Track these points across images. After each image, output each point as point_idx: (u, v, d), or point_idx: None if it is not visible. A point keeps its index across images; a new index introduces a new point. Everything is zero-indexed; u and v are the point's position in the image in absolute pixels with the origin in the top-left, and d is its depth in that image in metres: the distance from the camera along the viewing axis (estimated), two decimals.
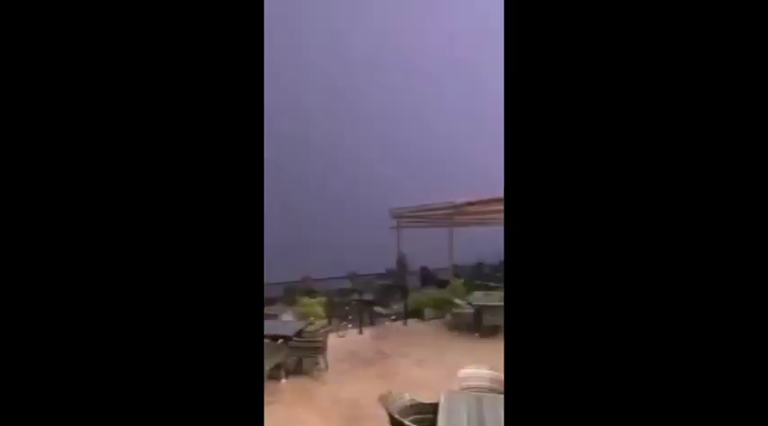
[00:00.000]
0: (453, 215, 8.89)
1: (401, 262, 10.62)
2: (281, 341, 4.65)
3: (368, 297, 8.28)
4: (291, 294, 8.72)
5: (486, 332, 6.34)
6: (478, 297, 7.02)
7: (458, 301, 7.18)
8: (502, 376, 3.27)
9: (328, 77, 13.41)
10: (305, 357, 4.95)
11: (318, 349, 4.91)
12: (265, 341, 4.45)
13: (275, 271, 11.01)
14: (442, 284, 8.87)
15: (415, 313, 7.61)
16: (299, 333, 5.01)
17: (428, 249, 10.49)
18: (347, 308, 7.45)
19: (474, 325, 6.58)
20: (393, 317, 7.69)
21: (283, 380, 4.62)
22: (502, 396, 2.95)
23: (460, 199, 7.72)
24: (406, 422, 2.63)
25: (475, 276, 10.44)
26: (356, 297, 7.38)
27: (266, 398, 4.18)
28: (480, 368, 3.38)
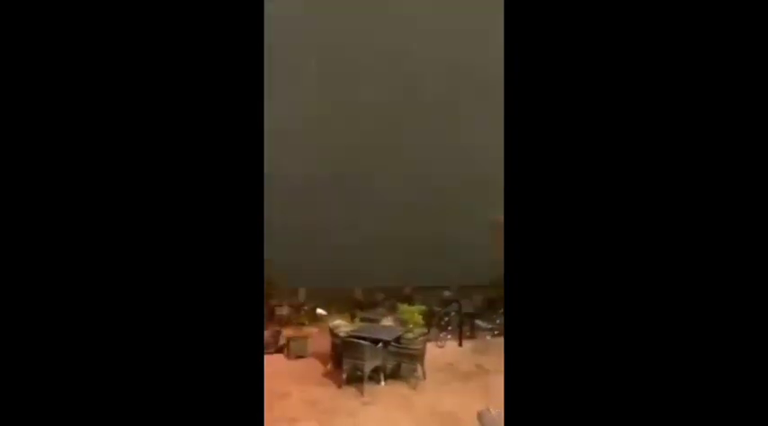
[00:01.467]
0: None
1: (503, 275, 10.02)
2: (380, 345, 4.75)
3: (469, 308, 8.00)
4: (391, 299, 8.90)
5: None
6: None
7: None
8: None
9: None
10: (403, 363, 4.98)
11: (416, 356, 4.89)
12: (366, 343, 4.59)
13: (378, 274, 11.37)
14: None
15: None
16: (398, 339, 5.06)
17: None
18: (447, 319, 7.30)
19: None
20: (495, 332, 7.28)
21: (382, 383, 4.70)
22: None
23: None
24: None
25: None
26: (457, 307, 7.18)
27: (364, 399, 4.32)
28: None
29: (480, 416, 2.77)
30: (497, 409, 2.92)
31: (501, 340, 6.99)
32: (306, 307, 7.59)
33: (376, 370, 4.70)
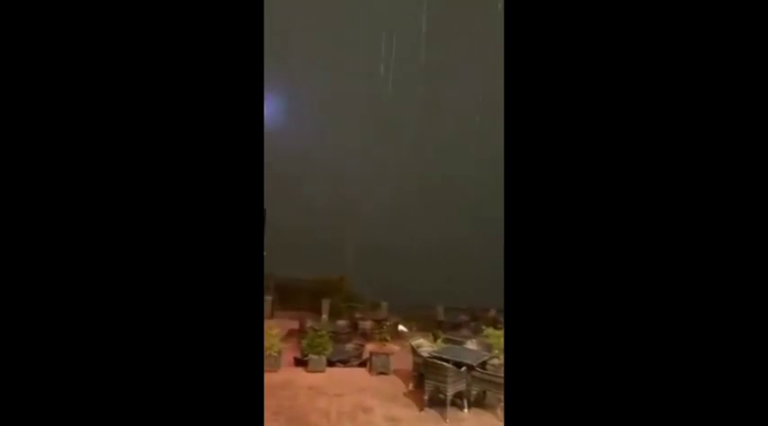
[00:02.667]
0: None
1: None
2: (464, 369, 4.56)
3: None
4: (476, 321, 8.54)
5: None
6: None
7: None
8: None
9: None
10: (488, 391, 4.70)
11: (503, 385, 4.59)
12: (450, 366, 4.45)
13: (464, 295, 11.03)
14: None
15: None
16: (484, 365, 4.81)
17: None
18: None
19: None
20: None
21: (465, 410, 4.50)
22: None
23: None
24: None
25: None
26: None
27: (447, 425, 4.15)
28: None
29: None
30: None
31: None
32: (388, 323, 7.64)
33: (459, 395, 4.52)
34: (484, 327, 7.21)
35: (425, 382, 4.61)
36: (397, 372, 5.56)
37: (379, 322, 7.64)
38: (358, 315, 8.18)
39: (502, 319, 9.08)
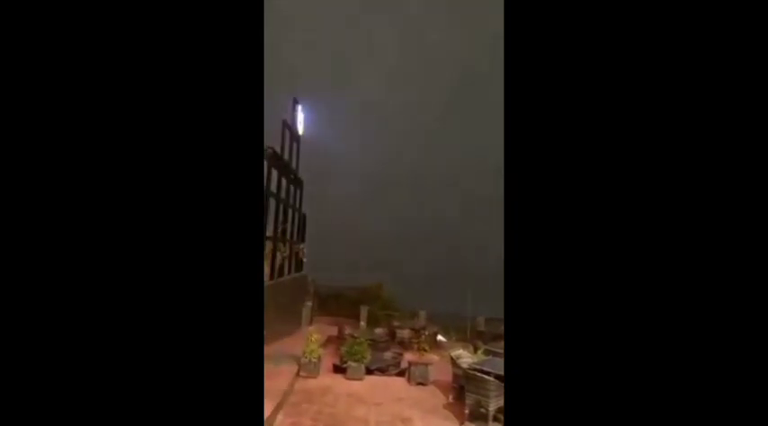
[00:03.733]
0: None
1: None
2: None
3: None
4: None
5: None
6: None
7: None
8: None
9: None
10: None
11: None
12: (491, 379, 4.31)
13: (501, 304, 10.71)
14: None
15: None
16: None
17: None
18: None
19: None
20: None
21: None
22: None
23: None
24: None
25: None
26: None
27: None
28: None
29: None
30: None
31: None
32: (426, 332, 7.54)
33: (501, 410, 4.35)
34: None
35: (466, 395, 4.48)
36: (436, 383, 5.46)
37: (417, 331, 7.56)
38: (396, 324, 8.14)
39: None
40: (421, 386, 5.44)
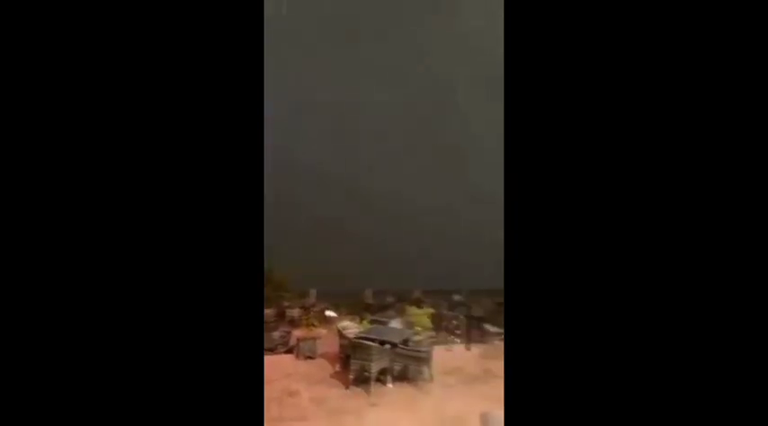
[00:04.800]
0: None
1: None
2: (387, 346, 4.80)
3: (479, 312, 7.99)
4: (401, 302, 8.93)
5: None
6: None
7: None
8: None
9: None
10: (410, 365, 5.02)
11: (423, 359, 4.93)
12: (374, 345, 4.65)
13: (389, 278, 11.42)
14: None
15: None
16: (406, 342, 5.11)
17: None
18: (455, 322, 7.31)
19: None
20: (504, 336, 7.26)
21: (389, 384, 4.75)
22: None
23: None
24: None
25: None
26: (466, 311, 7.19)
27: (371, 399, 4.37)
28: None
29: (483, 418, 2.79)
30: (501, 411, 2.94)
31: None
32: (316, 309, 7.69)
33: (383, 372, 4.75)
34: (407, 307, 7.57)
35: (351, 362, 4.77)
36: (324, 355, 5.66)
37: (306, 309, 7.65)
38: (286, 304, 8.09)
39: (425, 299, 9.59)
40: (309, 360, 5.59)
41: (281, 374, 5.02)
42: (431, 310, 7.48)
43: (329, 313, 7.60)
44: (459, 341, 6.77)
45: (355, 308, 8.55)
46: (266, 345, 5.88)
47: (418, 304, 7.98)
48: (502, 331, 7.44)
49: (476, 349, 6.59)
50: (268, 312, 7.48)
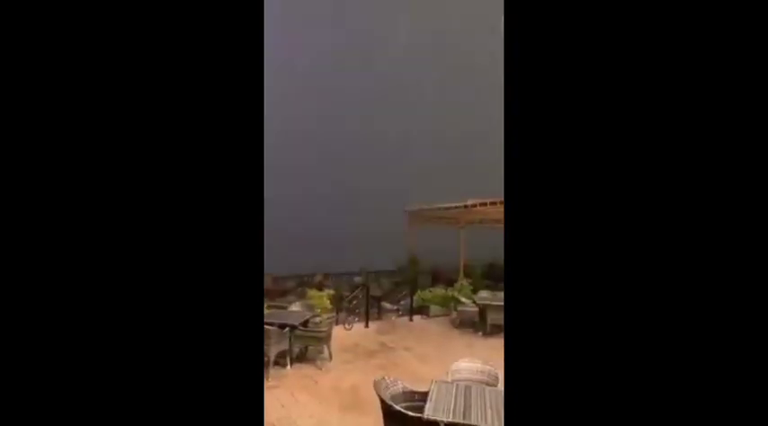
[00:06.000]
0: (466, 215, 8.94)
1: (412, 260, 10.72)
2: (287, 329, 4.84)
3: (376, 292, 8.42)
4: (303, 286, 8.95)
5: (490, 331, 6.39)
6: (484, 297, 7.08)
7: (463, 299, 7.24)
8: (493, 369, 3.35)
9: (351, 73, 13.58)
10: (310, 346, 5.13)
11: (323, 339, 5.08)
12: (273, 328, 4.64)
13: (290, 264, 11.29)
14: (451, 282, 8.93)
15: (422, 310, 7.70)
16: (305, 323, 5.20)
17: (440, 248, 10.58)
18: (355, 302, 7.62)
19: (479, 324, 6.63)
20: (400, 313, 7.81)
21: (288, 367, 4.81)
22: (489, 387, 3.04)
23: (472, 200, 7.78)
24: (396, 407, 2.76)
25: (485, 276, 10.45)
26: (364, 291, 7.54)
27: (271, 382, 4.39)
28: (474, 361, 3.48)
29: (375, 384, 3.05)
30: (391, 378, 3.24)
31: (404, 319, 7.54)
32: None
33: (282, 354, 4.79)
34: (308, 290, 7.64)
35: None
36: None
37: None
38: None
39: (327, 282, 9.76)
40: None
41: None
42: (331, 292, 7.66)
43: None
44: (358, 319, 7.09)
45: None
46: None
47: (320, 287, 8.09)
48: (397, 307, 7.98)
49: (373, 325, 6.99)
50: None
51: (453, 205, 8.27)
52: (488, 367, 3.38)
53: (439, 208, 8.82)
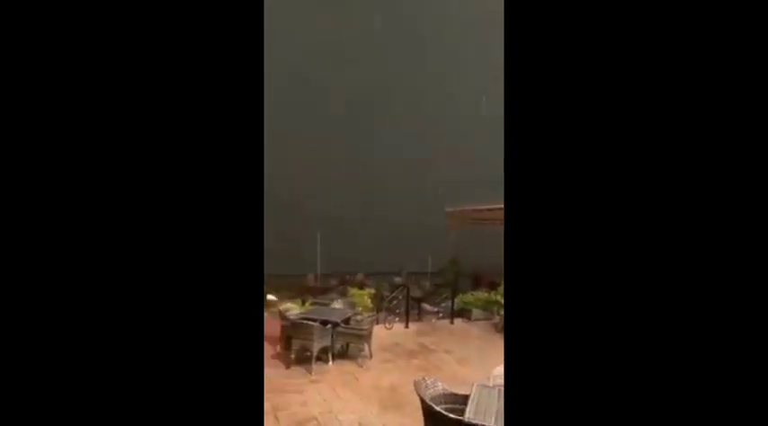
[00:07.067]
0: None
1: (452, 262, 10.59)
2: (329, 326, 4.95)
3: (416, 293, 8.41)
4: (344, 285, 9.11)
5: None
6: None
7: None
8: None
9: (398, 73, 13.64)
10: (351, 343, 5.23)
11: (364, 337, 5.15)
12: (316, 325, 4.77)
13: (332, 263, 11.52)
14: (493, 286, 8.73)
15: (463, 312, 7.59)
16: (347, 321, 5.30)
17: (481, 250, 10.38)
18: (395, 302, 7.65)
19: None
20: (440, 315, 7.74)
21: (330, 363, 4.92)
22: None
23: None
24: (437, 408, 2.75)
25: None
26: (405, 292, 7.55)
27: (314, 377, 4.52)
28: None
29: (416, 385, 3.06)
30: (431, 379, 3.24)
31: (444, 322, 7.46)
32: None
33: (324, 350, 4.91)
34: (349, 289, 7.76)
35: (293, 342, 4.86)
36: (265, 338, 5.68)
37: None
38: None
39: (368, 281, 9.87)
40: None
41: None
42: (371, 291, 7.74)
43: (270, 296, 7.57)
44: (398, 319, 7.11)
45: (298, 292, 8.57)
46: None
47: (361, 287, 8.20)
48: (438, 309, 7.92)
49: (414, 326, 6.98)
50: None
51: (496, 206, 8.08)
52: None
53: (481, 210, 8.65)
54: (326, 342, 4.91)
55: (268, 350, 5.35)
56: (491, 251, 10.24)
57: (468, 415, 2.58)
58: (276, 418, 3.63)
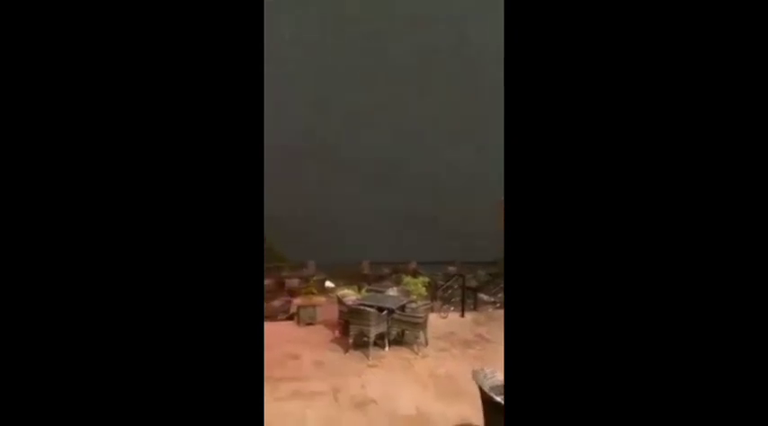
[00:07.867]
0: None
1: None
2: (385, 312, 5.02)
3: (472, 283, 8.25)
4: (398, 273, 9.17)
5: None
6: None
7: None
8: None
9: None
10: (406, 330, 5.26)
11: (419, 324, 5.16)
12: (372, 311, 4.86)
13: (386, 251, 11.65)
14: None
15: None
16: (402, 308, 5.33)
17: None
18: (450, 292, 7.57)
19: None
20: (497, 305, 7.55)
21: (386, 348, 5.00)
22: None
23: None
24: (497, 399, 2.69)
25: None
26: (460, 281, 7.43)
27: (371, 362, 4.62)
28: None
29: (474, 374, 3.01)
30: (491, 368, 3.17)
31: (501, 312, 7.26)
32: (314, 279, 7.91)
33: (381, 336, 4.99)
34: (404, 277, 7.79)
35: (350, 327, 5.00)
36: (324, 322, 5.90)
37: (306, 279, 7.87)
38: (285, 274, 8.30)
39: (420, 270, 9.85)
40: (309, 326, 5.83)
41: (284, 339, 5.26)
42: (426, 279, 7.71)
43: (328, 283, 7.83)
44: (453, 309, 7.04)
45: (353, 279, 8.78)
46: (267, 313, 6.10)
47: (414, 275, 8.21)
48: (494, 299, 7.72)
49: (469, 316, 6.87)
50: (267, 282, 7.69)
51: None
52: None
53: None
54: (383, 329, 4.98)
55: (327, 334, 5.55)
56: None
57: None
58: (336, 399, 3.76)
